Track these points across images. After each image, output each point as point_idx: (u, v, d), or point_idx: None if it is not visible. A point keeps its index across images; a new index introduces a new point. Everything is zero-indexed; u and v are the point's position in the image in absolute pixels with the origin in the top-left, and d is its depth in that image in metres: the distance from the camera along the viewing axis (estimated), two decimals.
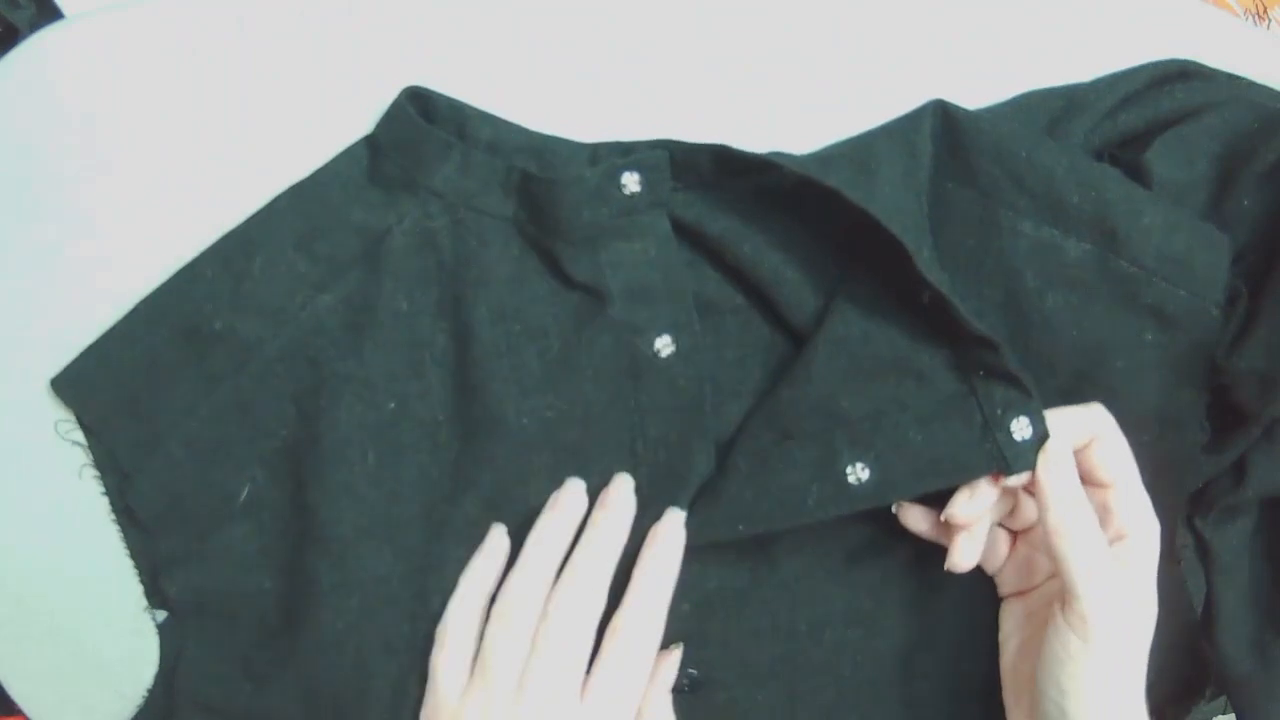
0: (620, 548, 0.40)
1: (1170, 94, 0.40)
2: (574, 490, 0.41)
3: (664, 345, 0.40)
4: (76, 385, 0.41)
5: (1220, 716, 0.54)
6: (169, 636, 0.42)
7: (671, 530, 0.40)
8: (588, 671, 0.38)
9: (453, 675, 0.38)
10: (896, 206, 0.36)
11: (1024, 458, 0.35)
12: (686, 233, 0.40)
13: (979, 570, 0.41)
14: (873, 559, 0.42)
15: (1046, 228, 0.37)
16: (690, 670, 0.42)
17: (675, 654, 0.41)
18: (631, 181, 0.39)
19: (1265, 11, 0.59)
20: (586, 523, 0.40)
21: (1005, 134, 0.38)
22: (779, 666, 0.42)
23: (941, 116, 0.39)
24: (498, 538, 0.41)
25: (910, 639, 0.42)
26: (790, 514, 0.38)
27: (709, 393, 0.40)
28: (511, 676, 0.38)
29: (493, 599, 0.39)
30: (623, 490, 0.40)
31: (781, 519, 0.38)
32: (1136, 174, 0.38)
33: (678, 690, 0.41)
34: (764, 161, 0.37)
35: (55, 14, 0.43)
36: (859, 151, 0.38)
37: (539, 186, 0.39)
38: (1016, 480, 0.36)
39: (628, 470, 0.41)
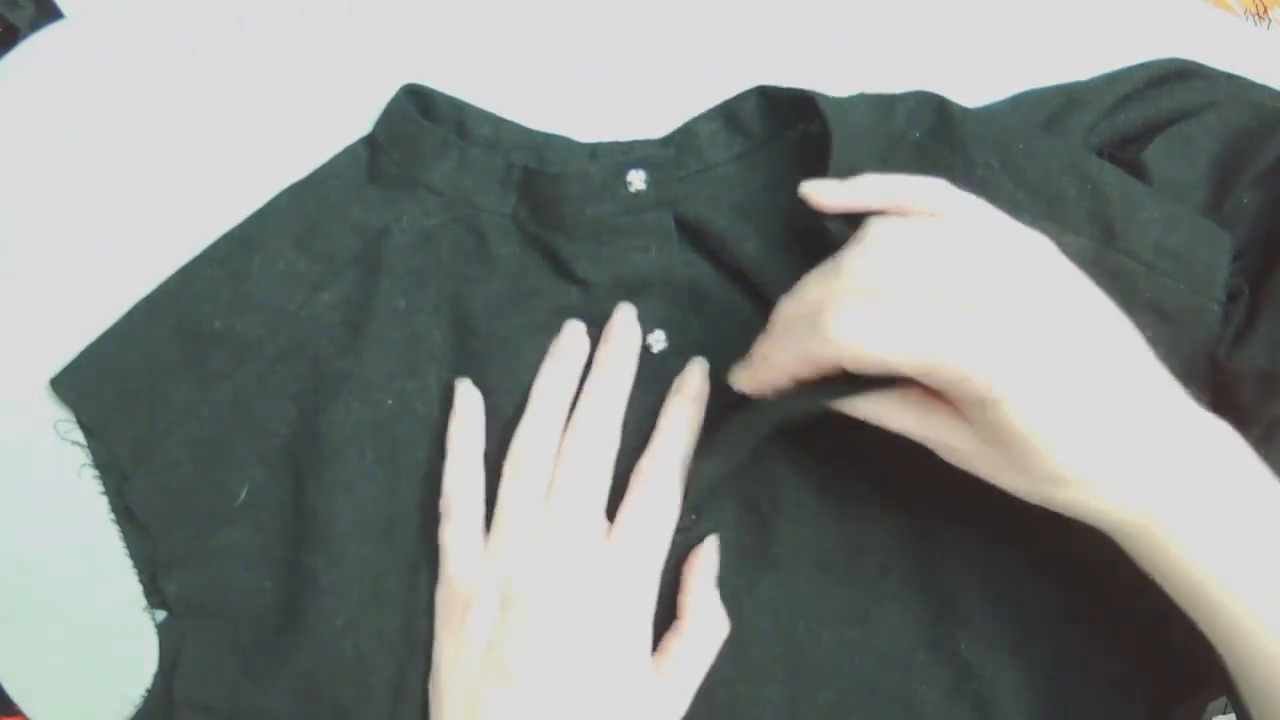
0: (629, 381, 0.39)
1: (1169, 93, 0.40)
2: (574, 334, 0.39)
3: (656, 341, 0.40)
4: (76, 385, 0.41)
5: (1220, 717, 0.54)
6: (169, 636, 0.42)
7: (696, 379, 0.39)
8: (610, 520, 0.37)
9: (465, 545, 0.37)
10: (852, 135, 0.37)
11: None
12: (688, 230, 0.40)
13: (979, 573, 0.41)
14: (872, 559, 0.42)
15: (1044, 221, 0.37)
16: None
17: (712, 543, 0.39)
18: (637, 179, 0.39)
19: (1265, 11, 0.59)
20: (591, 362, 0.39)
21: (1003, 127, 0.38)
22: (779, 666, 0.42)
23: (936, 110, 0.39)
24: (466, 395, 0.39)
25: (910, 639, 0.42)
26: (747, 435, 0.37)
27: None
28: (530, 529, 0.36)
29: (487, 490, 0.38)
30: (625, 321, 0.39)
31: (739, 440, 0.37)
32: (1135, 173, 0.38)
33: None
34: (757, 90, 0.39)
35: (55, 14, 0.43)
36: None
37: (542, 182, 0.39)
38: None
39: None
